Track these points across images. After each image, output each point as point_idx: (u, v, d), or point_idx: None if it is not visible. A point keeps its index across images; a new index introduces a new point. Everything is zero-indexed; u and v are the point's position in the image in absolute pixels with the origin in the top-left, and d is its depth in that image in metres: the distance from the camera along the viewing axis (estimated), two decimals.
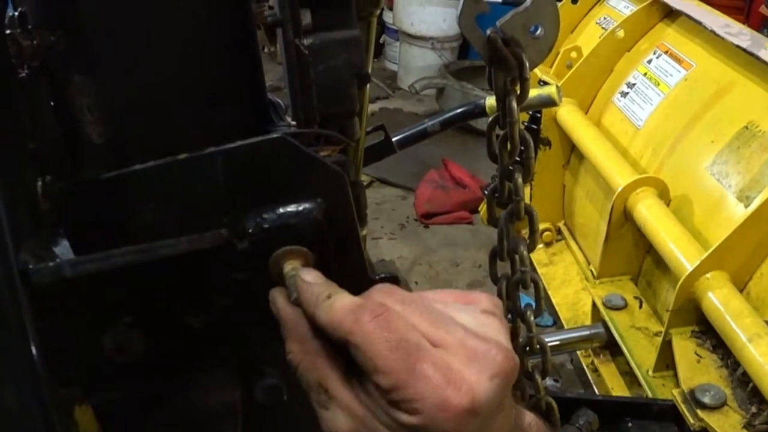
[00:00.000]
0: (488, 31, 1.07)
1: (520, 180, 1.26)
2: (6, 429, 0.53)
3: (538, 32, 1.13)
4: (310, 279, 0.68)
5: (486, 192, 3.19)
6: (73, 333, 0.67)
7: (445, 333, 0.64)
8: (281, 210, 0.70)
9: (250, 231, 0.69)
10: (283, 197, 0.70)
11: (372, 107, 6.57)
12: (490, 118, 1.26)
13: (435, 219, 4.63)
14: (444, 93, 6.19)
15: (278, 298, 0.69)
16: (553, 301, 3.19)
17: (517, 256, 1.34)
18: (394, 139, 2.08)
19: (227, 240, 0.69)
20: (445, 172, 4.88)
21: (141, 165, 0.69)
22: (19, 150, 0.59)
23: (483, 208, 3.56)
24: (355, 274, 0.74)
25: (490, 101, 2.22)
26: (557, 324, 3.24)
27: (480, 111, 2.22)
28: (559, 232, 3.51)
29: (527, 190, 3.56)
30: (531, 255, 2.99)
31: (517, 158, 1.26)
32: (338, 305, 0.64)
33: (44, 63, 0.68)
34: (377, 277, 0.76)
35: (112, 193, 0.69)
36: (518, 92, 1.19)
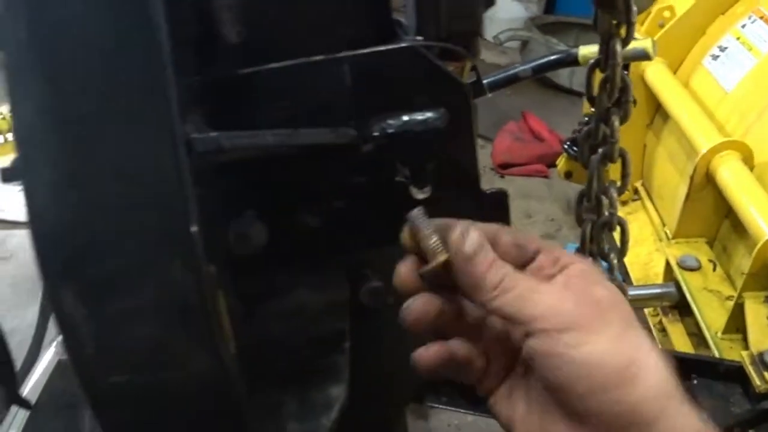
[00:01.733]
0: None
1: (617, 123, 1.28)
2: (168, 302, 0.58)
3: None
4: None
5: (566, 144, 3.19)
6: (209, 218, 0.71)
7: None
8: (406, 117, 0.73)
9: (375, 134, 0.73)
10: (409, 105, 0.74)
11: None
12: (591, 62, 1.28)
13: (511, 170, 4.63)
14: (528, 46, 6.14)
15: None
16: (625, 260, 3.20)
17: (605, 199, 1.36)
18: (485, 81, 2.09)
19: (354, 140, 0.73)
20: (524, 124, 4.87)
21: (277, 63, 0.73)
22: (177, 33, 0.63)
23: (561, 162, 3.56)
24: (468, 184, 0.78)
25: (584, 51, 2.21)
26: (627, 282, 3.24)
27: (573, 60, 2.21)
28: (636, 191, 3.49)
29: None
30: None
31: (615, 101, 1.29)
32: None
33: None
34: (488, 191, 0.79)
35: (248, 88, 0.73)
36: (623, 36, 1.21)
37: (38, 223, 0.57)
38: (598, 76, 1.28)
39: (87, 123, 0.56)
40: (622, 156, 1.30)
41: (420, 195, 0.77)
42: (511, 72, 2.21)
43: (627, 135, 3.31)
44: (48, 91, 0.56)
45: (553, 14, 6.88)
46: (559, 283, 0.64)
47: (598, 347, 0.60)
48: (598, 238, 1.39)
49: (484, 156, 4.84)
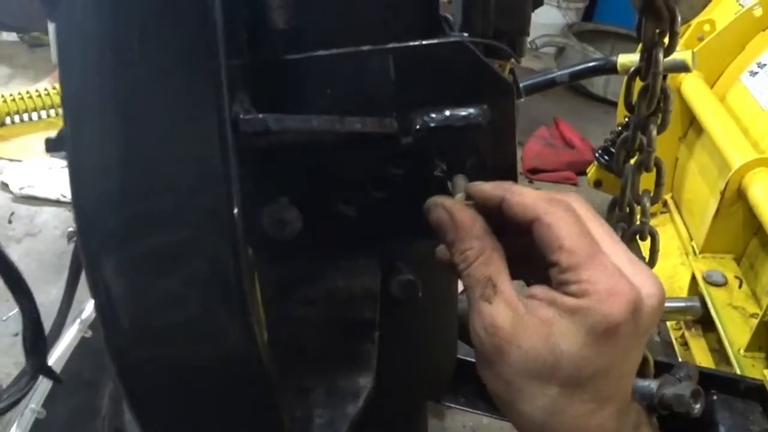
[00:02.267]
0: None
1: (654, 132, 1.28)
2: (208, 279, 0.58)
3: None
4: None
5: (597, 153, 3.18)
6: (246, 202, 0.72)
7: (619, 246, 0.67)
8: (448, 112, 0.73)
9: (417, 127, 0.73)
10: (452, 100, 0.74)
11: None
12: (632, 69, 1.28)
13: (541, 175, 4.62)
14: (564, 53, 6.11)
15: (445, 200, 0.73)
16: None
17: (638, 208, 1.36)
18: (522, 84, 2.09)
19: (395, 132, 0.73)
20: (556, 130, 4.85)
21: (324, 51, 0.73)
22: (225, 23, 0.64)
23: (591, 170, 3.55)
24: (504, 179, 0.78)
25: (622, 60, 2.21)
26: None
27: (611, 68, 2.21)
28: (665, 204, 3.48)
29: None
30: None
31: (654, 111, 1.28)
32: (532, 192, 0.68)
33: None
34: None
35: (293, 74, 0.73)
36: (666, 45, 1.20)
37: (82, 193, 0.58)
38: (638, 84, 1.27)
39: (137, 98, 0.56)
40: (658, 165, 1.30)
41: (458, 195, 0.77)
42: (549, 77, 2.21)
43: (659, 147, 3.31)
44: (99, 63, 0.57)
45: (591, 22, 6.85)
46: None
47: None
48: (630, 247, 1.38)
49: None
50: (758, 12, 3.07)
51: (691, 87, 3.07)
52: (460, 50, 0.73)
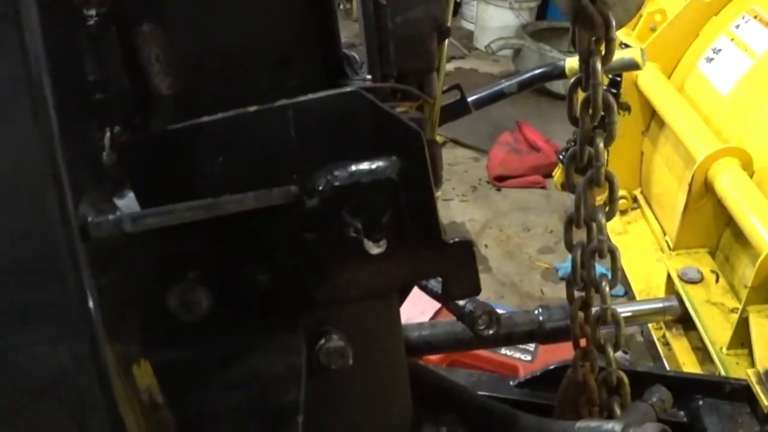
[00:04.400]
0: None
1: (601, 145, 1.21)
2: (62, 386, 0.51)
3: None
4: None
5: (563, 157, 3.15)
6: (135, 289, 0.65)
7: None
8: (353, 168, 0.67)
9: (320, 188, 0.66)
10: (357, 154, 0.67)
11: (447, 67, 6.46)
12: (572, 80, 1.22)
13: (507, 182, 4.57)
14: (520, 54, 6.08)
15: None
16: (626, 271, 3.13)
17: (594, 224, 1.30)
18: (469, 99, 2.03)
19: (296, 197, 0.66)
20: (519, 134, 4.80)
21: (209, 117, 0.66)
22: (82, 100, 0.57)
23: (557, 172, 3.50)
24: (428, 234, 0.71)
25: (570, 63, 2.15)
26: (629, 294, 3.18)
27: (559, 73, 2.15)
28: (635, 200, 3.44)
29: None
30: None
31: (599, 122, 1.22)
32: None
33: (113, 11, 0.65)
34: (451, 241, 0.72)
35: (179, 145, 0.67)
36: (603, 53, 1.14)
37: None
38: (581, 95, 1.21)
39: None
40: (609, 180, 1.23)
41: (375, 250, 0.70)
42: (497, 89, 2.16)
43: (622, 143, 3.27)
44: None
45: (545, 20, 6.83)
46: None
47: None
48: (589, 265, 1.32)
49: (480, 169, 4.78)
50: None
51: (649, 79, 3.02)
52: (356, 100, 0.66)
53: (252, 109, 0.66)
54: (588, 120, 1.20)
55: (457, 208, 4.38)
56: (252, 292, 0.72)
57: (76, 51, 0.59)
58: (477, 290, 0.76)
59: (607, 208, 1.28)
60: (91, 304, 0.49)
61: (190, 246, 0.69)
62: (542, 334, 1.62)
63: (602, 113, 1.19)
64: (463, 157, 4.93)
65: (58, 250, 0.48)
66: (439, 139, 4.48)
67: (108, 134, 0.63)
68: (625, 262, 3.15)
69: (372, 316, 0.86)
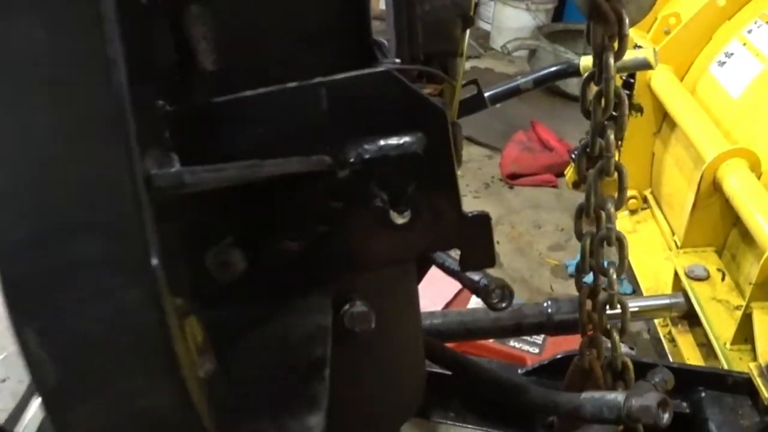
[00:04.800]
0: None
1: (612, 136, 1.27)
2: (122, 331, 0.57)
3: None
4: None
5: (573, 153, 3.21)
6: (182, 248, 0.70)
7: None
8: (382, 142, 0.72)
9: (351, 160, 0.72)
10: (385, 130, 0.73)
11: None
12: (585, 75, 1.27)
13: (520, 180, 4.62)
14: (536, 55, 6.13)
15: None
16: (635, 269, 3.18)
17: (603, 213, 1.35)
18: (486, 94, 2.09)
19: (329, 167, 0.72)
20: (533, 133, 4.85)
21: (252, 91, 0.72)
22: (144, 70, 0.63)
23: (569, 171, 3.54)
24: (449, 208, 0.77)
25: (585, 62, 2.20)
26: (637, 292, 3.22)
27: (573, 71, 2.21)
28: (645, 200, 3.48)
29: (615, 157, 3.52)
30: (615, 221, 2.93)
31: (611, 115, 1.27)
32: None
33: None
34: (470, 214, 0.78)
35: (224, 116, 0.72)
36: (616, 49, 1.19)
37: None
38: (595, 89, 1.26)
39: (45, 159, 0.55)
40: (618, 170, 1.28)
41: (400, 220, 0.76)
42: (513, 85, 2.21)
43: (634, 143, 3.32)
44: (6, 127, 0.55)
45: (561, 22, 6.87)
46: None
47: None
48: (597, 253, 1.38)
49: (493, 166, 4.84)
50: (722, 2, 3.07)
51: (661, 81, 3.07)
52: (387, 80, 0.71)
53: (291, 85, 0.72)
54: (600, 113, 1.26)
55: (470, 204, 4.43)
56: (284, 256, 0.78)
57: (133, 29, 0.65)
58: (492, 262, 0.82)
59: (616, 198, 1.33)
60: (153, 253, 0.55)
61: (229, 211, 0.74)
62: (551, 326, 1.68)
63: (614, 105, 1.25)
64: (477, 155, 4.99)
65: (125, 200, 0.54)
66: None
67: (160, 105, 0.68)
68: (634, 260, 3.20)
69: (393, 286, 0.92)
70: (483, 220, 0.79)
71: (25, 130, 0.54)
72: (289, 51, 0.76)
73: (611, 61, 1.20)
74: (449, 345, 1.75)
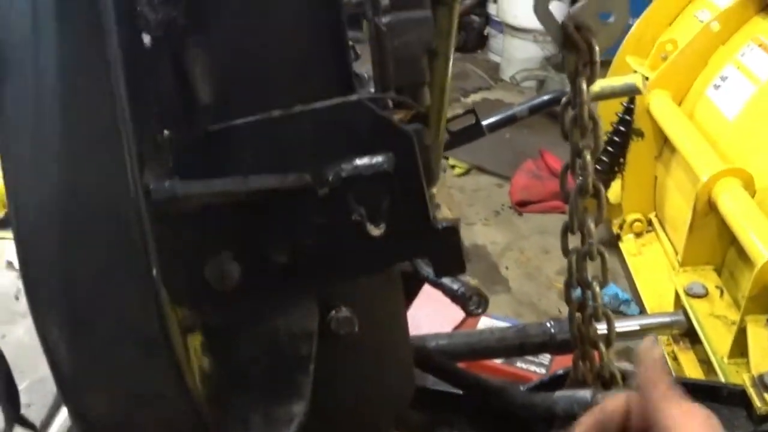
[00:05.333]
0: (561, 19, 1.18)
1: (588, 156, 1.35)
2: (135, 339, 0.67)
3: (610, 18, 1.22)
4: None
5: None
6: (184, 260, 0.80)
7: None
8: (357, 162, 0.82)
9: (329, 179, 0.82)
10: (360, 151, 0.82)
11: (474, 97, 6.64)
12: (563, 101, 1.36)
13: (529, 207, 4.70)
14: (544, 84, 6.23)
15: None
16: (640, 290, 3.24)
17: (585, 230, 1.43)
18: (484, 123, 2.18)
19: (310, 185, 0.81)
20: (541, 162, 4.93)
21: (242, 119, 0.82)
22: (147, 102, 0.73)
23: None
24: (420, 220, 0.85)
25: None
26: (642, 313, 3.28)
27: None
28: (650, 223, 3.55)
29: (618, 182, 3.60)
30: (621, 245, 3.08)
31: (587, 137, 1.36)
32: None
33: (166, 35, 0.81)
34: (440, 226, 0.87)
35: (219, 142, 0.82)
36: (588, 74, 1.28)
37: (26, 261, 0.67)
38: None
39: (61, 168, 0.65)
40: (596, 188, 1.37)
41: (375, 232, 0.85)
42: (509, 113, 2.30)
43: (637, 167, 3.40)
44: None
45: None
46: None
47: None
48: (581, 268, 1.45)
49: (503, 194, 4.92)
50: (716, 27, 3.16)
51: (660, 106, 3.16)
52: (359, 107, 0.81)
53: (275, 113, 0.82)
54: (577, 135, 1.34)
55: (480, 231, 4.52)
56: (275, 267, 0.87)
57: (137, 66, 0.75)
58: (462, 269, 0.90)
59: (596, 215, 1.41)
60: (153, 264, 0.65)
61: (224, 227, 0.84)
62: (554, 345, 1.74)
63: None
64: (487, 184, 5.08)
65: (127, 214, 0.64)
66: (464, 166, 4.60)
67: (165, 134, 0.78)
68: (639, 282, 3.27)
69: (377, 294, 1.01)
70: (452, 231, 0.88)
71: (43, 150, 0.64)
72: (274, 85, 0.86)
73: (584, 86, 1.28)
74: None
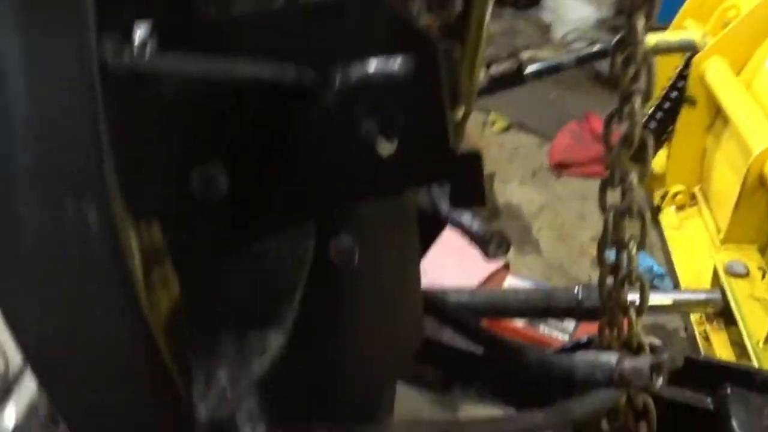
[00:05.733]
0: None
1: (638, 102, 1.23)
2: (77, 251, 0.56)
3: None
4: None
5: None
6: (160, 164, 0.69)
7: None
8: (369, 65, 0.70)
9: (335, 81, 0.70)
10: (372, 54, 0.70)
11: (521, 56, 6.46)
12: (616, 38, 1.23)
13: (569, 170, 4.55)
14: (594, 46, 6.03)
15: None
16: (676, 267, 3.12)
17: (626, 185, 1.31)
18: (528, 71, 2.06)
19: (312, 85, 0.69)
20: (586, 124, 4.76)
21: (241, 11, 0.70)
22: None
23: None
24: (437, 141, 0.74)
25: None
26: (676, 288, 3.15)
27: None
28: (693, 197, 3.41)
29: (664, 151, 3.45)
30: (661, 217, 2.95)
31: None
32: None
33: None
34: (461, 151, 0.75)
35: (217, 32, 0.70)
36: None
37: None
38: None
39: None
40: (643, 140, 1.24)
41: (386, 149, 0.73)
42: (555, 62, 2.17)
43: (685, 137, 3.25)
44: None
45: (623, 16, 6.74)
46: None
47: None
48: (619, 226, 1.34)
49: (542, 155, 4.77)
50: None
51: (716, 74, 3.00)
52: (375, 2, 0.69)
53: (277, 6, 0.70)
54: (627, 79, 1.22)
55: (516, 191, 4.39)
56: (267, 180, 0.76)
57: None
58: (482, 200, 0.79)
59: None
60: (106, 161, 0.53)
61: (216, 130, 0.73)
62: (580, 312, 1.65)
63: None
64: (527, 142, 4.93)
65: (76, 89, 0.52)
66: (504, 122, 4.47)
67: None
68: (677, 258, 3.14)
69: (384, 228, 0.90)
70: (473, 157, 0.76)
71: None
72: None
73: (640, 23, 1.16)
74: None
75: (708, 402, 1.78)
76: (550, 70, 2.13)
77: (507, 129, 5.05)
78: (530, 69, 2.10)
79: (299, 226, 0.79)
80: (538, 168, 4.66)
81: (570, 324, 2.61)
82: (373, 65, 0.70)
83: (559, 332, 2.59)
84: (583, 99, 4.91)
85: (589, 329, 2.26)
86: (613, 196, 1.35)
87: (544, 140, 4.87)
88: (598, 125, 4.63)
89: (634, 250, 1.33)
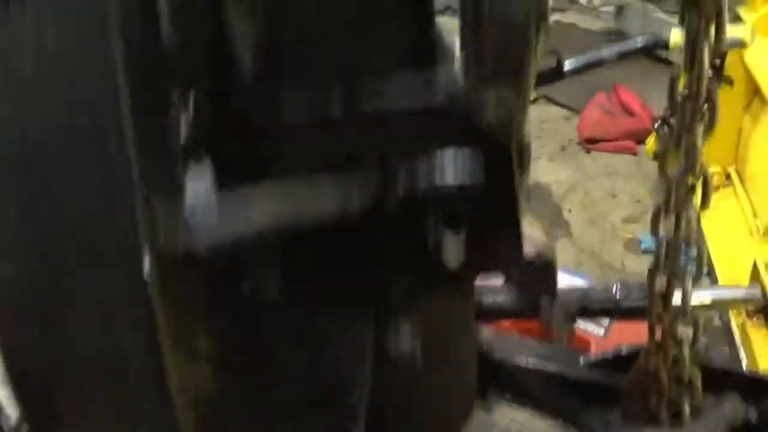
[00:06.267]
0: None
1: (699, 140, 1.17)
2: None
3: None
4: None
5: (657, 127, 3.03)
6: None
7: None
8: (437, 174, 0.64)
9: (400, 190, 0.64)
10: (444, 161, 0.64)
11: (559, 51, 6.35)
12: (672, 73, 1.17)
13: (598, 145, 4.47)
14: (623, 12, 5.89)
15: None
16: (711, 251, 3.04)
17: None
18: (567, 65, 1.99)
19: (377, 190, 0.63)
20: (614, 96, 4.67)
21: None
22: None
23: (650, 141, 3.41)
24: (507, 249, 0.67)
25: (675, 38, 2.07)
26: (711, 275, 3.09)
27: (662, 45, 2.08)
28: (728, 177, 3.33)
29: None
30: (695, 198, 2.78)
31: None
32: None
33: None
34: (532, 261, 0.69)
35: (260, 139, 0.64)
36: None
37: None
38: None
39: None
40: (704, 173, 1.19)
41: (453, 263, 0.67)
42: (596, 57, 2.10)
43: (722, 116, 3.14)
44: None
45: None
46: None
47: None
48: (675, 256, 1.28)
49: (571, 129, 4.69)
50: None
51: (756, 54, 2.91)
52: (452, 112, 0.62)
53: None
54: (688, 113, 1.16)
55: (544, 168, 4.31)
56: (325, 277, 0.71)
57: None
58: (553, 295, 0.74)
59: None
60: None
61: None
62: (619, 312, 1.61)
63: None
64: (555, 116, 4.84)
65: None
66: (531, 95, 4.40)
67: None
68: (711, 241, 3.07)
69: (445, 313, 0.85)
70: (546, 269, 0.70)
71: None
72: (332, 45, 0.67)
73: (705, 54, 1.09)
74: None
75: (751, 414, 1.74)
76: (591, 65, 2.06)
77: (534, 101, 4.96)
78: (570, 65, 2.03)
79: (357, 327, 0.74)
80: (567, 143, 4.57)
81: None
82: (443, 174, 0.64)
83: (594, 327, 2.54)
84: (611, 70, 4.80)
85: (623, 325, 2.22)
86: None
87: (572, 114, 4.78)
88: (627, 97, 4.54)
89: (689, 285, 1.28)
